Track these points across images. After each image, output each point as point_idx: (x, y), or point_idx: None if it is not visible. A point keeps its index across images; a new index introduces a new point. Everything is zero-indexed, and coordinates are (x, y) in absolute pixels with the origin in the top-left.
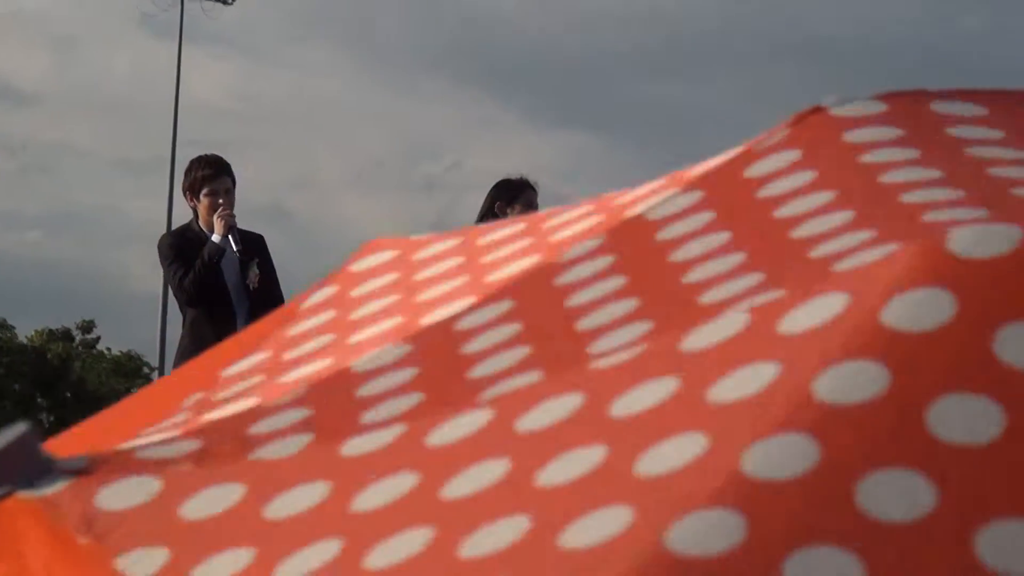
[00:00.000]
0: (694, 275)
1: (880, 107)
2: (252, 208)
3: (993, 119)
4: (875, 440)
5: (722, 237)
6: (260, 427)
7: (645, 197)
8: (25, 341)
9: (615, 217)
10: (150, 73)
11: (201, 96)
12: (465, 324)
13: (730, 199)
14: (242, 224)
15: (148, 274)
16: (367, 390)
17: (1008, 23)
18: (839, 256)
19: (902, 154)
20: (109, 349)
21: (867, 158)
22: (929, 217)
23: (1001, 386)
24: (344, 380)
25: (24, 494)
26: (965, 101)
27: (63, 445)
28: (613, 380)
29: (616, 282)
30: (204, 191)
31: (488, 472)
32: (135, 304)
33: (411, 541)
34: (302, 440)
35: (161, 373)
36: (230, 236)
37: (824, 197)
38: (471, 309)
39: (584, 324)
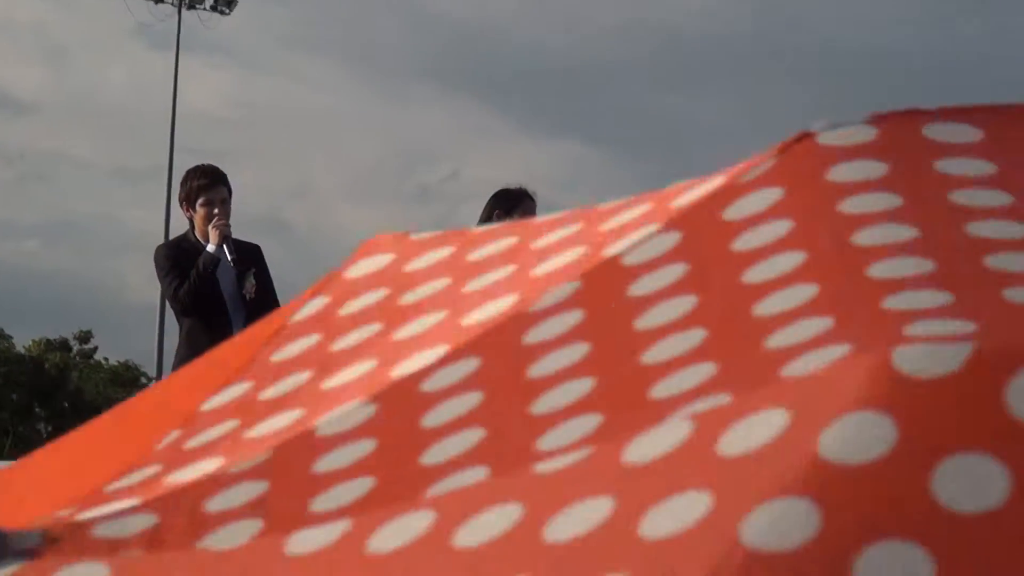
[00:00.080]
0: (652, 354)
1: (870, 133)
2: (250, 219)
3: (986, 144)
4: None
5: (687, 304)
6: (215, 503)
7: (627, 230)
8: (23, 351)
9: (596, 249)
10: (147, 82)
11: (198, 105)
12: (428, 386)
13: (705, 250)
14: (241, 234)
15: (145, 284)
16: (324, 464)
17: (1007, 24)
18: (792, 353)
19: (882, 202)
20: (107, 359)
21: (846, 207)
22: (891, 304)
23: (936, 531)
24: (305, 447)
25: None
26: (960, 121)
27: (43, 460)
28: (553, 492)
29: (579, 351)
30: (200, 201)
31: None
32: (132, 314)
33: None
34: (251, 528)
35: None
36: (225, 246)
37: (794, 259)
38: (438, 365)
39: (539, 407)
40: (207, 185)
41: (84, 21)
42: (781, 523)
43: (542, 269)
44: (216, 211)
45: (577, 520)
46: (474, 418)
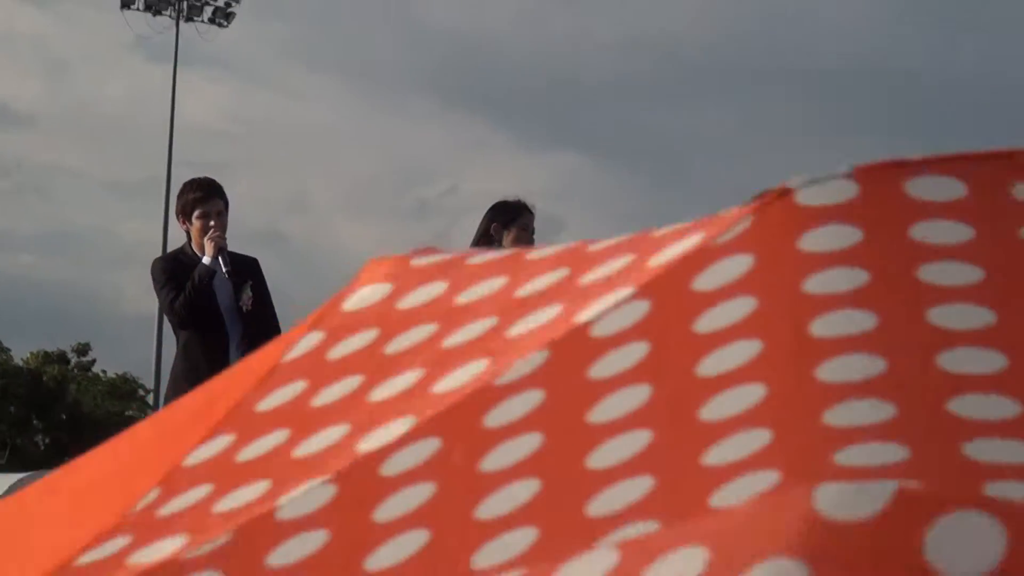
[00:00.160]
0: (597, 458)
1: (850, 191)
2: (249, 232)
3: (968, 202)
4: None
5: (640, 396)
6: None
7: (604, 291)
8: (21, 363)
9: (573, 308)
10: (145, 95)
11: (196, 118)
12: (388, 470)
13: (669, 328)
14: (239, 247)
15: (142, 296)
16: (276, 558)
17: (1007, 41)
18: (726, 474)
19: (848, 281)
20: (104, 372)
21: (811, 285)
22: (831, 418)
23: None
24: (261, 534)
25: None
26: (944, 174)
27: (32, 500)
28: None
29: (530, 444)
30: (196, 213)
31: None
32: (129, 326)
33: None
34: None
35: (157, 395)
36: (220, 258)
37: (750, 350)
38: (399, 444)
39: (483, 511)
40: (203, 198)
41: (82, 33)
42: None
43: (517, 330)
44: (212, 223)
45: None
46: (420, 518)
